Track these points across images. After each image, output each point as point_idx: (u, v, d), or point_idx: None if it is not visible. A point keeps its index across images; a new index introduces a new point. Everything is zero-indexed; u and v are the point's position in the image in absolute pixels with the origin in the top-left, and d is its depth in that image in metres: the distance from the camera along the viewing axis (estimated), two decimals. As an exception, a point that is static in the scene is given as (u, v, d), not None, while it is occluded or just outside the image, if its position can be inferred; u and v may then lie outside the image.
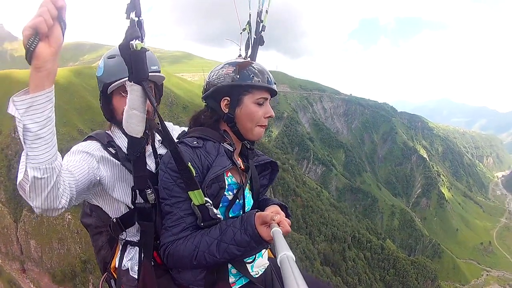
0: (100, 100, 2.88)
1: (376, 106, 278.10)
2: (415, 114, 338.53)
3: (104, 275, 3.00)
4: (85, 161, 2.53)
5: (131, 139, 2.27)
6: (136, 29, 1.98)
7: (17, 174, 1.98)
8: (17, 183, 1.99)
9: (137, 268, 2.71)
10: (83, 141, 2.77)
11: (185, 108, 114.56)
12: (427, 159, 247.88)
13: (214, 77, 2.65)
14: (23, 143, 1.89)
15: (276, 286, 2.89)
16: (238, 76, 2.56)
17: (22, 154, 1.94)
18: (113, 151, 2.71)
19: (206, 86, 2.71)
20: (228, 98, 2.61)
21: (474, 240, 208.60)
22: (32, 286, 69.88)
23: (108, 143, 2.73)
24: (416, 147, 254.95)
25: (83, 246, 69.52)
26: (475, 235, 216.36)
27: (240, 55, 3.18)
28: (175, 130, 3.23)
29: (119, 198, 2.72)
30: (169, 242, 2.39)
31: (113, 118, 2.84)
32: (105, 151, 2.69)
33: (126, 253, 2.84)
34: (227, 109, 2.62)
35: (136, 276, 2.71)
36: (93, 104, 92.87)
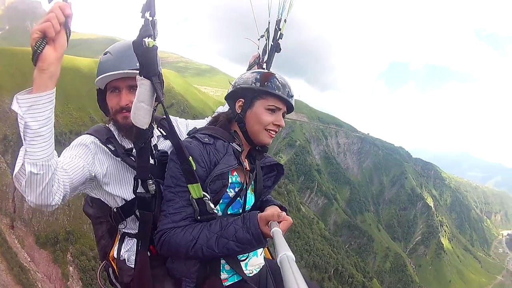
0: (98, 98, 3.00)
1: (391, 149, 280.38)
2: (430, 162, 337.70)
3: (103, 263, 3.11)
4: (81, 157, 2.64)
5: (137, 130, 2.33)
6: (149, 28, 2.09)
7: (14, 166, 2.12)
8: (13, 175, 2.13)
9: (133, 258, 2.76)
10: (84, 134, 2.87)
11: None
12: (432, 208, 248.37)
13: (238, 79, 2.84)
14: (23, 139, 2.04)
15: (269, 287, 2.96)
16: (256, 82, 2.72)
17: (21, 149, 2.08)
18: (112, 148, 2.79)
19: (231, 87, 2.87)
20: (243, 100, 2.76)
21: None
22: (16, 242, 74.08)
23: (107, 140, 2.81)
24: (424, 194, 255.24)
25: (70, 219, 75.98)
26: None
27: (261, 66, 3.75)
28: (178, 122, 3.44)
29: (114, 193, 2.82)
30: (167, 228, 2.45)
31: (108, 113, 2.94)
32: (105, 147, 2.78)
33: (124, 244, 2.93)
34: (240, 110, 2.78)
35: (132, 266, 2.77)
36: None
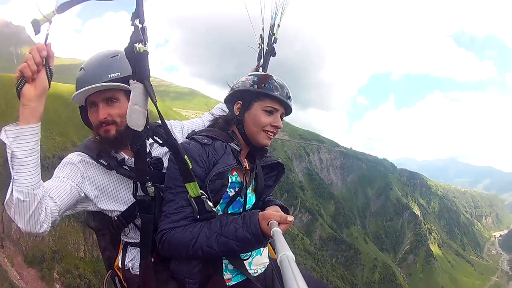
0: (81, 115, 3.03)
1: (375, 161, 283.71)
2: (416, 172, 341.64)
3: (109, 272, 3.15)
4: (69, 178, 2.69)
5: (133, 133, 2.36)
6: (139, 34, 2.14)
7: (6, 194, 2.24)
8: (5, 201, 2.26)
9: (138, 266, 2.83)
10: (73, 152, 2.91)
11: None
12: (420, 217, 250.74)
13: (236, 82, 2.89)
14: (10, 168, 2.18)
15: (276, 287, 2.97)
16: (254, 84, 2.77)
17: (12, 178, 2.20)
18: (105, 162, 2.81)
19: (229, 90, 2.90)
20: (241, 102, 2.81)
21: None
22: (6, 260, 78.73)
23: (98, 155, 2.82)
24: (410, 204, 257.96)
25: (56, 238, 79.81)
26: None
27: (257, 70, 3.84)
28: (173, 125, 3.48)
29: (110, 208, 2.88)
30: (168, 228, 2.48)
31: (92, 128, 2.91)
32: (96, 163, 2.83)
33: (127, 254, 2.98)
34: (238, 112, 2.83)
35: (138, 273, 2.83)
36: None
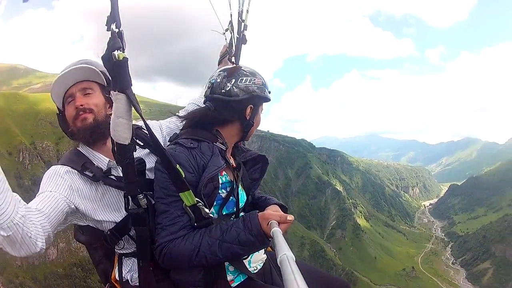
0: (59, 122, 2.85)
1: (293, 142, 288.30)
2: (335, 149, 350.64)
3: (106, 285, 3.01)
4: (56, 191, 2.49)
5: (119, 147, 2.22)
6: (117, 40, 1.97)
7: None
8: None
9: (136, 277, 2.72)
10: (57, 164, 2.72)
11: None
12: (342, 192, 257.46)
13: (248, 83, 2.69)
14: None
15: (275, 279, 2.94)
16: (266, 90, 2.76)
17: None
18: (91, 174, 2.65)
19: (234, 89, 2.67)
20: (252, 106, 2.72)
21: (395, 267, 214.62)
22: None
23: (83, 167, 2.66)
24: (332, 181, 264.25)
25: None
26: (397, 262, 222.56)
27: (230, 59, 3.66)
28: (152, 127, 2.89)
29: (103, 219, 2.70)
30: (167, 241, 2.39)
31: (72, 132, 2.77)
32: (83, 176, 2.65)
33: (123, 266, 2.84)
34: (249, 116, 2.74)
35: (137, 284, 2.72)
36: (11, 128, 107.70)
